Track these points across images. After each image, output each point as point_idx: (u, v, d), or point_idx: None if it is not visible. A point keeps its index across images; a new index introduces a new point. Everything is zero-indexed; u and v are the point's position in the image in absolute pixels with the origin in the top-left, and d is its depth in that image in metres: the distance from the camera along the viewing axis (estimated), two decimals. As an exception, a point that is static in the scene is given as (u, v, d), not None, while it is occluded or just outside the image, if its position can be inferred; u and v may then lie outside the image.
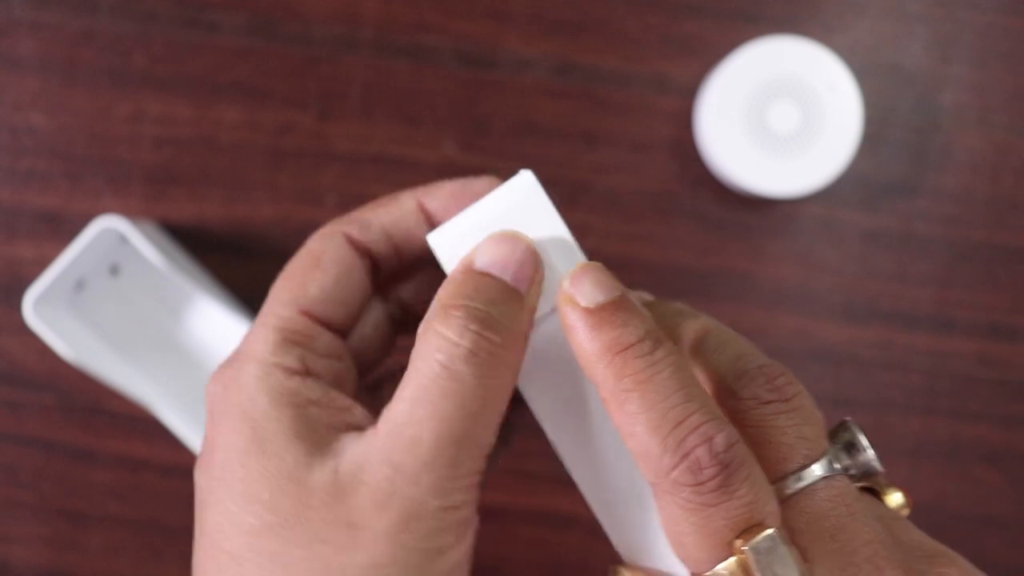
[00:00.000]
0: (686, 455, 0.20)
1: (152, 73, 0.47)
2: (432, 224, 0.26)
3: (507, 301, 0.22)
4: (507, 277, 0.23)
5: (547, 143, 0.47)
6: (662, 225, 0.47)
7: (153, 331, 0.46)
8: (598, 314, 0.22)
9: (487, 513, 0.47)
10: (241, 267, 0.47)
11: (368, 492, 0.21)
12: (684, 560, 0.21)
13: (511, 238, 0.23)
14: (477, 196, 0.25)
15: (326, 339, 0.24)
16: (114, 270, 0.46)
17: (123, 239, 0.45)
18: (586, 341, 0.21)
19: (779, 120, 0.44)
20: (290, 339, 0.24)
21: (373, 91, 0.47)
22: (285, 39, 0.47)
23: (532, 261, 0.23)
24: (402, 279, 0.28)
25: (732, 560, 0.20)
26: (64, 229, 0.47)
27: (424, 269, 0.27)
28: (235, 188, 0.47)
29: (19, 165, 0.47)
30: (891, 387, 0.47)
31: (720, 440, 0.20)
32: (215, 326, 0.46)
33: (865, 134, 0.45)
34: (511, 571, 0.47)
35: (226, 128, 0.47)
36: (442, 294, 0.23)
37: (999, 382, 0.47)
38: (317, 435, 0.22)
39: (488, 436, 0.22)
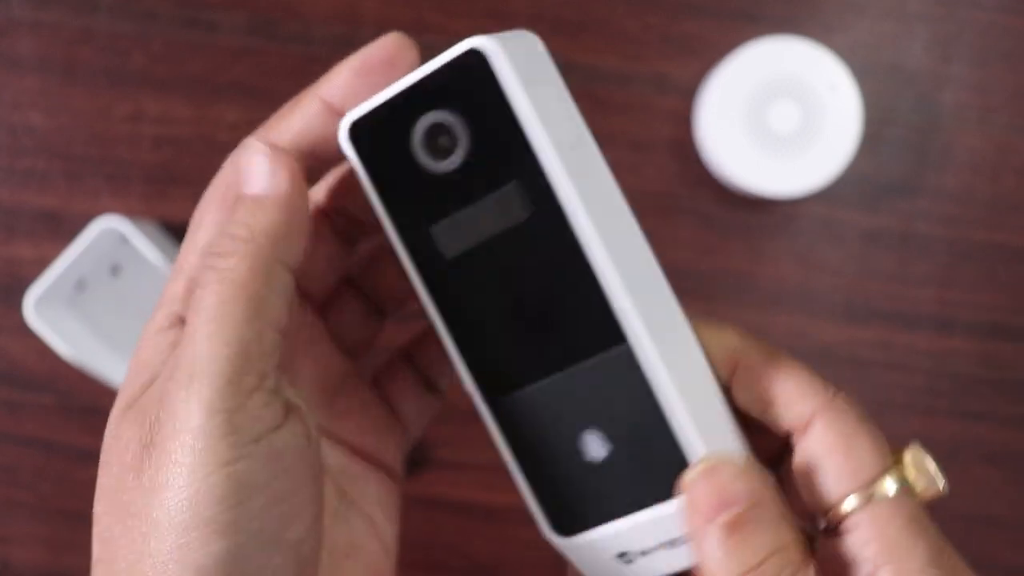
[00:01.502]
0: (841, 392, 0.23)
1: (152, 73, 0.46)
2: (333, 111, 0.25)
3: (270, 215, 0.22)
4: (274, 190, 0.23)
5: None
6: (662, 225, 0.47)
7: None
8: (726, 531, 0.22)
9: (486, 514, 0.47)
10: (241, 267, 0.47)
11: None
12: (844, 475, 0.23)
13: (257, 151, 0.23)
14: (391, 69, 0.24)
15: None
16: (115, 270, 0.46)
17: (123, 239, 0.45)
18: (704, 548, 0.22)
19: (779, 120, 0.44)
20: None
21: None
22: (285, 39, 0.47)
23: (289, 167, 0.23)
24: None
25: None
26: (63, 229, 0.46)
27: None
28: (235, 188, 0.47)
29: (18, 165, 0.47)
30: (891, 387, 0.47)
31: None
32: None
33: (865, 134, 0.45)
34: (510, 572, 0.47)
35: (226, 128, 0.47)
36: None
37: (1000, 382, 0.47)
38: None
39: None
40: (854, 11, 0.47)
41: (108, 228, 0.43)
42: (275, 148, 0.23)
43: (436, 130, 0.24)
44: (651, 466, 0.23)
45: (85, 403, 0.47)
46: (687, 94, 0.47)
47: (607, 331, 0.23)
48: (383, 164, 0.24)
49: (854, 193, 0.47)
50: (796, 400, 0.23)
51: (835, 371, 0.46)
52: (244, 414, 0.21)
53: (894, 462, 0.24)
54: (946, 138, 0.47)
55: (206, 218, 0.24)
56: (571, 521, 0.25)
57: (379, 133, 0.24)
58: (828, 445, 0.23)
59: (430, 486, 0.47)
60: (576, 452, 0.24)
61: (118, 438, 0.22)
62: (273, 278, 0.22)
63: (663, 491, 0.23)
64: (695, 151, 0.47)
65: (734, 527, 0.22)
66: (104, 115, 0.47)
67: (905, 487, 0.24)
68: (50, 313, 0.44)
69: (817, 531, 0.24)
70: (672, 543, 0.24)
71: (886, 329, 0.47)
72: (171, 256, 0.44)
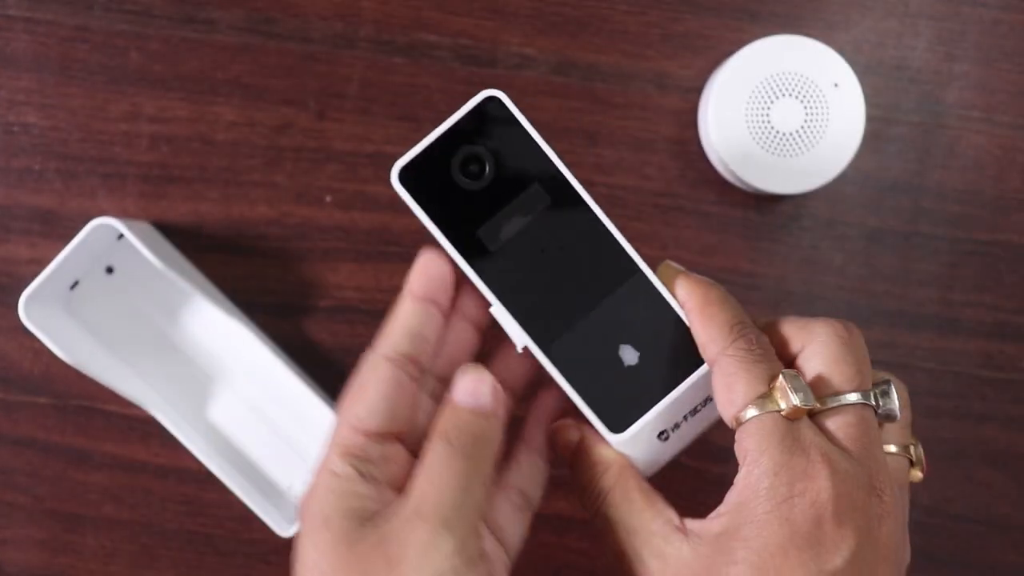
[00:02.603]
0: (742, 337, 0.31)
1: (148, 71, 0.46)
2: (440, 309, 0.34)
3: (483, 421, 0.32)
4: (484, 404, 0.32)
5: (547, 142, 0.46)
6: (664, 224, 0.46)
7: (148, 331, 0.46)
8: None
9: (487, 515, 0.47)
10: (238, 267, 0.47)
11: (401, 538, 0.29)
12: (727, 403, 0.31)
13: (477, 376, 0.33)
14: (443, 264, 0.34)
15: (378, 448, 0.31)
16: (109, 270, 0.45)
17: (118, 239, 0.45)
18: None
19: (782, 118, 0.43)
20: (347, 452, 0.31)
21: (371, 89, 0.46)
22: (283, 37, 0.46)
23: (494, 389, 0.32)
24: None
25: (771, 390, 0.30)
26: (59, 228, 0.46)
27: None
28: (232, 187, 0.46)
29: (13, 164, 0.46)
30: (895, 388, 0.47)
31: (761, 338, 0.32)
32: (211, 326, 0.46)
33: (868, 132, 0.45)
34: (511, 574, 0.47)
35: (223, 127, 0.46)
36: (438, 423, 0.31)
37: (1004, 383, 0.47)
38: (366, 516, 0.30)
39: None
40: (857, 9, 0.46)
41: (102, 228, 0.43)
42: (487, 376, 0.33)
43: (470, 159, 0.34)
44: (672, 355, 0.34)
45: (80, 404, 0.47)
46: (689, 92, 0.46)
47: (624, 267, 0.34)
48: (430, 194, 0.34)
49: (857, 192, 0.47)
50: (705, 344, 0.32)
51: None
52: (470, 556, 0.29)
53: (768, 390, 0.30)
54: (950, 137, 0.47)
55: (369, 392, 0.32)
56: (623, 419, 0.34)
57: (423, 171, 0.34)
58: (718, 383, 0.31)
59: (429, 488, 0.47)
60: (617, 363, 0.34)
61: (349, 566, 0.29)
62: (489, 462, 0.32)
63: (684, 371, 0.33)
64: (697, 150, 0.46)
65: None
66: (100, 114, 0.46)
67: (767, 410, 0.30)
68: (44, 313, 0.44)
69: None
70: (694, 411, 0.34)
71: (889, 329, 0.47)
72: (166, 256, 0.44)
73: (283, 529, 0.45)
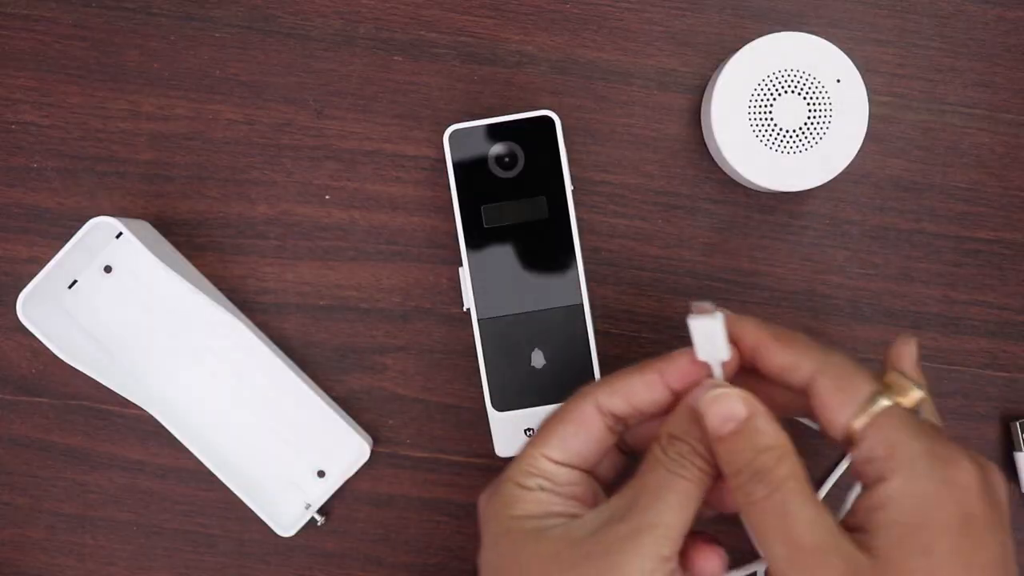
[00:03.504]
0: (834, 349, 0.33)
1: (147, 69, 0.46)
2: (671, 391, 0.34)
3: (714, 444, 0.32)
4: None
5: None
6: (666, 222, 0.46)
7: (147, 331, 0.46)
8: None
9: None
10: (237, 266, 0.46)
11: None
12: (845, 403, 0.31)
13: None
14: (701, 370, 0.34)
15: (564, 474, 0.34)
16: (107, 269, 0.45)
17: (116, 238, 0.44)
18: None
19: (785, 115, 0.43)
20: (531, 471, 0.34)
21: (371, 87, 0.46)
22: (282, 34, 0.46)
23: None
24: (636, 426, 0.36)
25: None
26: (57, 227, 0.46)
27: (652, 422, 0.35)
28: (231, 185, 0.46)
29: (12, 162, 0.46)
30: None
31: None
32: (210, 326, 0.46)
33: (872, 130, 0.45)
34: (512, 574, 0.47)
35: (222, 125, 0.46)
36: (672, 426, 0.33)
37: (1008, 382, 0.47)
38: (557, 522, 0.33)
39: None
40: (860, 6, 0.46)
41: (100, 227, 0.42)
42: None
43: (506, 151, 0.43)
44: (570, 378, 0.41)
45: (79, 404, 0.47)
46: (691, 90, 0.46)
47: (571, 296, 0.43)
48: (463, 162, 0.43)
49: (860, 190, 0.46)
50: (797, 363, 0.32)
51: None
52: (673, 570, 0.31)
53: (883, 386, 0.32)
54: (953, 134, 0.46)
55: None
56: (506, 402, 0.43)
57: (467, 142, 0.43)
58: (828, 388, 0.31)
59: (430, 487, 0.47)
60: (526, 360, 0.43)
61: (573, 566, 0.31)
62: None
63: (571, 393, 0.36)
64: (699, 147, 0.46)
65: (733, 435, 0.31)
66: (99, 112, 0.46)
67: (895, 401, 0.31)
68: (42, 313, 0.43)
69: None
70: None
71: (891, 328, 0.47)
72: (164, 255, 0.44)
73: (283, 530, 0.45)
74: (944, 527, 0.29)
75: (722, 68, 0.44)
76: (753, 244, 0.46)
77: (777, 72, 0.43)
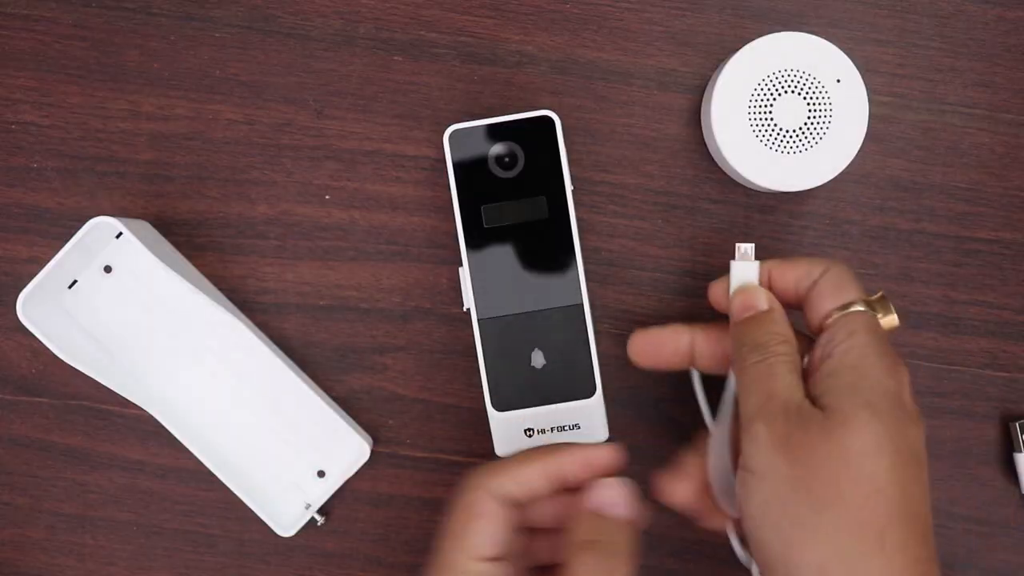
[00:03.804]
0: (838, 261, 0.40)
1: (147, 69, 0.46)
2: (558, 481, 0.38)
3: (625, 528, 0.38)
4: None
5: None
6: (666, 222, 0.46)
7: (147, 331, 0.46)
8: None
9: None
10: (237, 266, 0.46)
11: None
12: (835, 298, 0.37)
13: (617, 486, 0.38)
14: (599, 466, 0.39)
15: (490, 568, 0.36)
16: (107, 269, 0.45)
17: (116, 238, 0.44)
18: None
19: (785, 115, 0.43)
20: (466, 571, 0.36)
21: (371, 87, 0.46)
22: (282, 34, 0.46)
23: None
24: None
25: None
26: (57, 227, 0.46)
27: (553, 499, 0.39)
28: (231, 185, 0.46)
29: (12, 162, 0.46)
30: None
31: None
32: (210, 325, 0.46)
33: (872, 130, 0.45)
34: (512, 574, 0.47)
35: (222, 125, 0.46)
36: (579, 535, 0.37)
37: (1007, 382, 0.47)
38: None
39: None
40: (860, 6, 0.46)
41: (101, 227, 0.42)
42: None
43: (506, 151, 0.43)
44: (569, 377, 0.43)
45: (79, 404, 0.47)
46: (691, 90, 0.46)
47: (571, 295, 0.43)
48: (463, 162, 0.43)
49: (860, 190, 0.46)
50: (810, 270, 0.38)
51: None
52: None
53: (868, 299, 0.37)
54: (953, 134, 0.46)
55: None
56: (507, 402, 0.43)
57: (467, 142, 0.43)
58: (827, 286, 0.38)
59: (430, 487, 0.47)
60: (526, 360, 0.43)
61: None
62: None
63: (571, 394, 0.43)
64: (699, 147, 0.46)
65: (751, 319, 0.38)
66: (99, 112, 0.46)
67: (873, 313, 0.37)
68: (42, 313, 0.43)
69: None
70: (563, 428, 0.43)
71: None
72: (164, 255, 0.44)
73: (283, 530, 0.45)
74: (883, 392, 0.34)
75: (722, 68, 0.44)
76: (754, 244, 0.46)
77: (777, 72, 0.43)
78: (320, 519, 0.46)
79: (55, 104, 0.46)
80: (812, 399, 0.35)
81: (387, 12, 0.46)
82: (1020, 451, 0.46)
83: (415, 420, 0.47)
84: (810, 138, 0.43)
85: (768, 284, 0.39)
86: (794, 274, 0.39)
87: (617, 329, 0.46)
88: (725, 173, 0.46)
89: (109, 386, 0.44)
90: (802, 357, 0.38)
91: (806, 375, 0.37)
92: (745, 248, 0.39)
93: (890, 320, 0.37)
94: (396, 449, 0.47)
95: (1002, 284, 0.47)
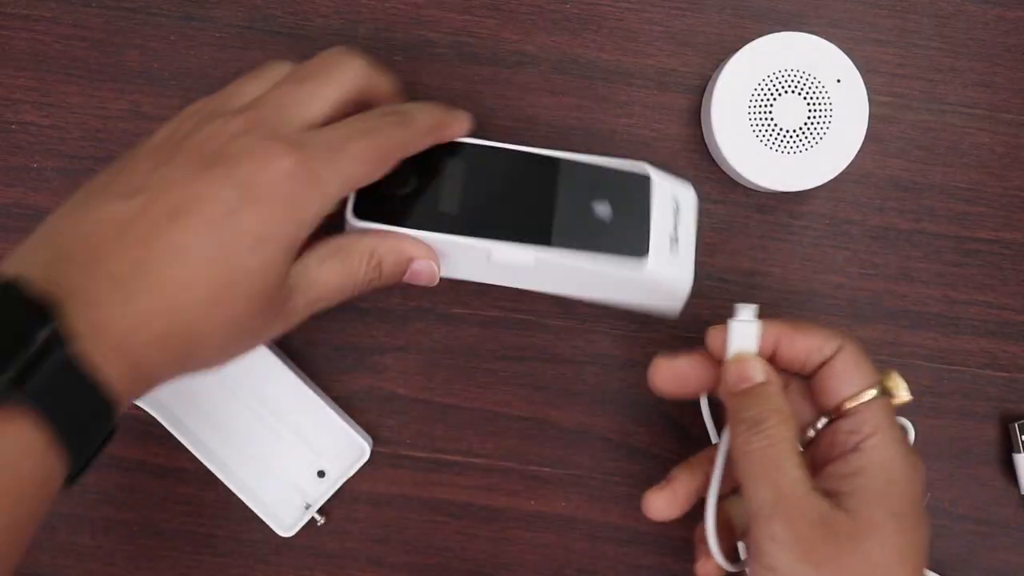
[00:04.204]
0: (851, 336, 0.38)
1: (147, 69, 0.46)
2: None
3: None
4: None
5: (548, 139, 0.46)
6: (665, 223, 0.46)
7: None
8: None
9: (489, 515, 0.47)
10: (237, 266, 0.46)
11: None
12: (853, 382, 0.37)
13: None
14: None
15: None
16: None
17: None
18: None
19: (785, 115, 0.43)
20: None
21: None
22: (282, 34, 0.46)
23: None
24: None
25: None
26: (58, 227, 0.46)
27: None
28: (231, 185, 0.46)
29: (12, 162, 0.46)
30: (897, 387, 0.47)
31: None
32: (211, 326, 0.46)
33: (872, 130, 0.45)
34: (509, 573, 0.47)
35: (222, 125, 0.46)
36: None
37: (1007, 382, 0.47)
38: None
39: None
40: (860, 6, 0.46)
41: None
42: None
43: (396, 176, 0.37)
44: (630, 191, 0.39)
45: (80, 404, 0.47)
46: (691, 90, 0.46)
47: (549, 163, 0.39)
48: (392, 211, 0.38)
49: (860, 190, 0.46)
50: (823, 346, 0.37)
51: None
52: None
53: (883, 378, 0.37)
54: (953, 134, 0.46)
55: None
56: (635, 247, 0.38)
57: (375, 202, 0.38)
58: (843, 366, 0.36)
59: (430, 488, 0.47)
60: (597, 217, 0.38)
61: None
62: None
63: (646, 191, 0.39)
64: (699, 148, 0.46)
65: (747, 392, 0.36)
66: (99, 112, 0.46)
67: (888, 394, 0.37)
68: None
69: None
70: (676, 211, 0.39)
71: (891, 328, 0.47)
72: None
73: (284, 530, 0.45)
74: (908, 499, 0.34)
75: (722, 68, 0.44)
76: (753, 244, 0.46)
77: (777, 72, 0.43)
78: (320, 519, 0.46)
79: (55, 104, 0.46)
80: (829, 493, 0.34)
81: (387, 12, 0.46)
82: (1019, 451, 0.46)
83: (415, 420, 0.47)
84: (810, 138, 0.43)
85: (773, 349, 0.38)
86: (805, 346, 0.37)
87: (617, 329, 0.46)
88: (725, 173, 0.46)
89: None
90: (803, 432, 0.37)
91: (815, 459, 0.36)
92: (745, 311, 0.37)
93: (902, 398, 0.37)
94: (396, 449, 0.47)
95: (1002, 284, 0.47)
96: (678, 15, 0.46)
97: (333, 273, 0.36)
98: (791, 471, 0.34)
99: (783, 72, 0.43)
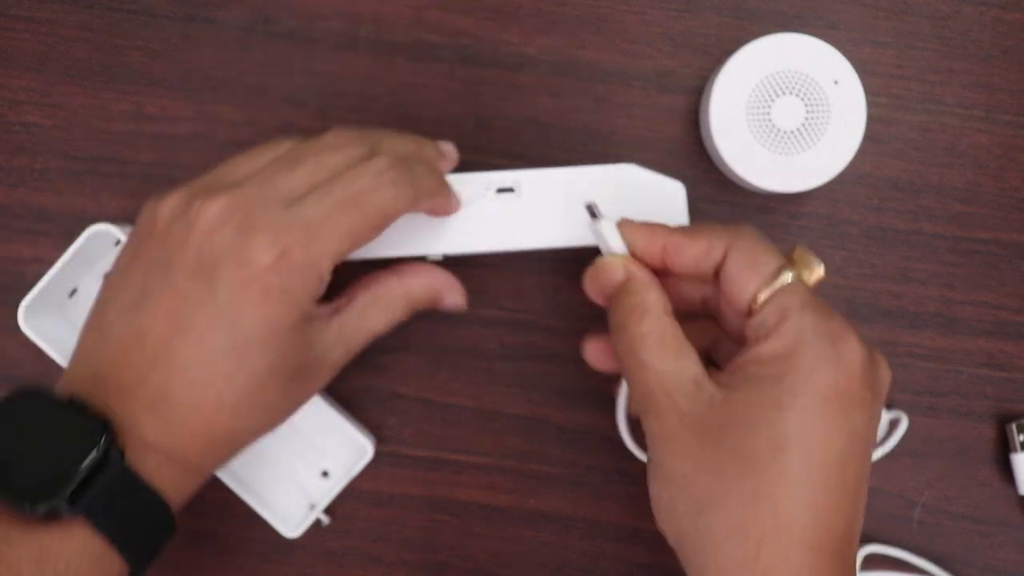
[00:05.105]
0: (745, 224, 0.37)
1: (149, 70, 0.46)
2: None
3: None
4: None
5: (548, 141, 0.46)
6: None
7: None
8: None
9: (489, 515, 0.47)
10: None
11: None
12: (752, 277, 0.34)
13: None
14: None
15: None
16: (107, 277, 0.45)
17: (115, 245, 0.45)
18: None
19: (783, 116, 0.43)
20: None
21: (372, 88, 0.46)
22: (283, 36, 0.46)
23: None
24: None
25: None
26: (61, 228, 0.46)
27: None
28: (233, 186, 0.46)
29: (15, 163, 0.46)
30: (895, 387, 0.47)
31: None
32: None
33: (869, 130, 0.45)
34: (510, 573, 0.47)
35: (224, 126, 0.46)
36: None
37: (1005, 381, 0.47)
38: None
39: None
40: (858, 7, 0.46)
41: (99, 235, 0.43)
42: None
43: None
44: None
45: (83, 403, 0.47)
46: (689, 92, 0.46)
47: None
48: None
49: (858, 190, 0.47)
50: (710, 249, 0.34)
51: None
52: None
53: (788, 261, 0.34)
54: (950, 135, 0.47)
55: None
56: None
57: None
58: (739, 262, 0.34)
59: (431, 486, 0.47)
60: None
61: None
62: None
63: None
64: (697, 148, 0.46)
65: (614, 296, 0.35)
66: (102, 113, 0.46)
67: (797, 275, 0.33)
68: (44, 322, 0.43)
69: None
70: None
71: (889, 328, 0.47)
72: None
73: (289, 530, 0.45)
74: (811, 392, 0.31)
75: (720, 69, 0.44)
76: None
77: (775, 73, 0.43)
78: (326, 519, 0.46)
79: (58, 105, 0.46)
80: (725, 385, 0.32)
81: (388, 14, 0.46)
82: (1017, 451, 0.46)
83: (416, 419, 0.47)
84: (808, 139, 0.43)
85: (662, 261, 0.35)
86: (692, 253, 0.35)
87: (617, 329, 0.46)
88: (723, 174, 0.46)
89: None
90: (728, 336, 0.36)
91: (725, 354, 0.35)
92: (591, 205, 0.36)
93: (816, 274, 0.34)
94: (397, 448, 0.47)
95: (999, 284, 0.47)
96: (677, 16, 0.46)
97: (373, 322, 0.38)
98: (657, 365, 0.33)
99: (781, 73, 0.43)
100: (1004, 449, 0.47)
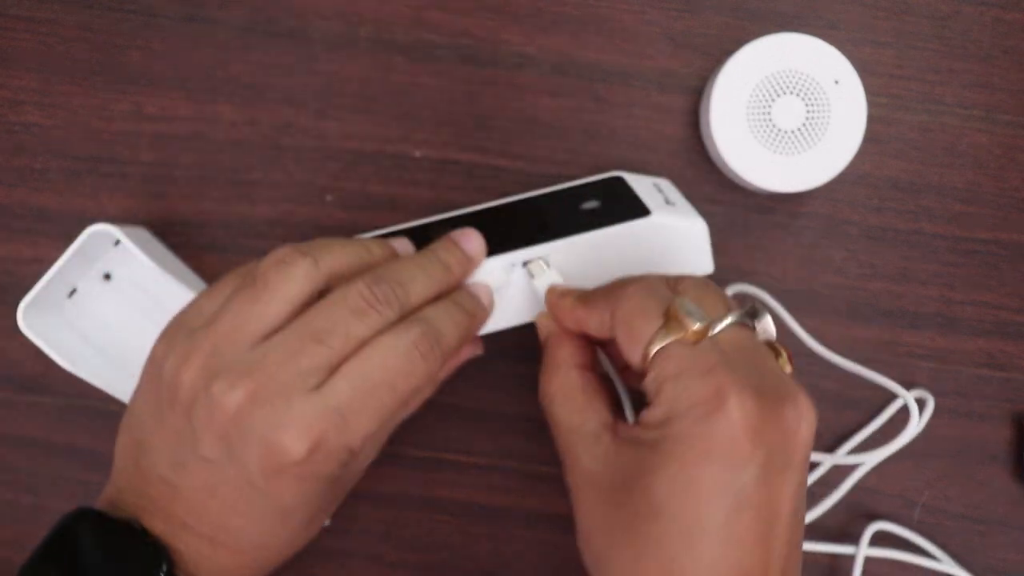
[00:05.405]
0: (624, 284, 0.36)
1: (149, 70, 0.46)
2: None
3: None
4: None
5: (548, 141, 0.46)
6: (664, 223, 0.46)
7: (148, 336, 0.46)
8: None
9: (489, 515, 0.47)
10: (238, 267, 0.46)
11: None
12: (635, 344, 0.33)
13: None
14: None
15: None
16: (107, 277, 0.45)
17: (115, 245, 0.45)
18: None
19: (784, 116, 0.43)
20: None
21: (372, 88, 0.46)
22: (283, 36, 0.46)
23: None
24: None
25: None
26: (60, 228, 0.46)
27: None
28: (233, 186, 0.46)
29: (15, 163, 0.46)
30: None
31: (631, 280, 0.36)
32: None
33: (870, 130, 0.45)
34: (510, 573, 0.47)
35: (224, 126, 0.46)
36: None
37: (1005, 381, 0.47)
38: None
39: None
40: (858, 7, 0.46)
41: (99, 235, 0.43)
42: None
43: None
44: (620, 212, 0.40)
45: (82, 405, 0.47)
46: (690, 91, 0.46)
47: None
48: None
49: (858, 190, 0.47)
50: (601, 320, 0.34)
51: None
52: None
53: (664, 321, 0.32)
54: (951, 135, 0.47)
55: None
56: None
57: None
58: (621, 332, 0.33)
59: (431, 487, 0.47)
60: (583, 207, 0.41)
61: None
62: None
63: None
64: (698, 148, 0.46)
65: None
66: (102, 113, 0.46)
67: (676, 336, 0.32)
68: (43, 322, 0.43)
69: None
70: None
71: (889, 328, 0.47)
72: (162, 261, 0.44)
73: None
74: (683, 459, 0.31)
75: (721, 69, 0.44)
76: (752, 244, 0.47)
77: (776, 73, 0.43)
78: (327, 521, 0.46)
79: (58, 105, 0.46)
80: (629, 439, 0.33)
81: (388, 14, 0.46)
82: None
83: (416, 419, 0.47)
84: (808, 139, 0.43)
85: (579, 328, 0.36)
86: (592, 322, 0.35)
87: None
88: (724, 174, 0.46)
89: (112, 393, 0.44)
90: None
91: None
92: (529, 263, 0.39)
93: (689, 329, 0.32)
94: (397, 448, 0.47)
95: (999, 284, 0.47)
96: (677, 16, 0.46)
97: (403, 413, 0.40)
98: (564, 420, 0.35)
99: (781, 73, 0.43)
100: (1004, 448, 0.47)
